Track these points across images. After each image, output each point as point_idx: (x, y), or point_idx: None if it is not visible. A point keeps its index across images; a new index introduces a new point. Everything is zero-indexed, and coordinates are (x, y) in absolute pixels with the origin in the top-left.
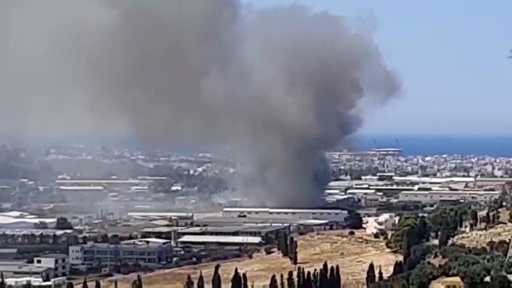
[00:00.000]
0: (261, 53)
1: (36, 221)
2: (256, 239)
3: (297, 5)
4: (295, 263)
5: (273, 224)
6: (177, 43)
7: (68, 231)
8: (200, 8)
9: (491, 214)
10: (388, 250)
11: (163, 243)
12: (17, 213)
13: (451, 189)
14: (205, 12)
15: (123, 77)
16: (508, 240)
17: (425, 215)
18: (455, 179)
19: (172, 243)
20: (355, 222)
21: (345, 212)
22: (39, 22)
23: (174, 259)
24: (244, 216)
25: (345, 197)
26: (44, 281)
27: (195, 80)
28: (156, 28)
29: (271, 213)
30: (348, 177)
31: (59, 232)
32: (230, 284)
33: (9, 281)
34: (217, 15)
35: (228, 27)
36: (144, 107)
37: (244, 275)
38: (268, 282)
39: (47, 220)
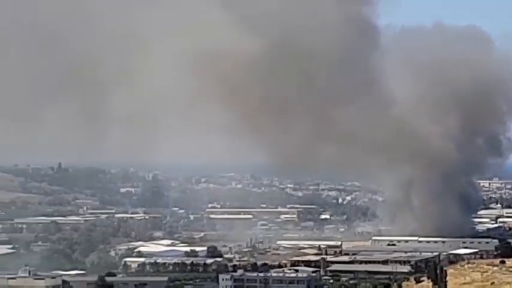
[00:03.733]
0: (401, 75)
1: (187, 249)
2: (406, 268)
3: (440, 24)
4: None
5: (423, 253)
6: (313, 71)
7: (218, 259)
8: (337, 35)
9: None
10: None
11: (313, 272)
12: (168, 242)
13: None
14: (343, 39)
15: (259, 105)
16: None
17: None
18: None
19: (322, 272)
20: (507, 251)
21: (496, 240)
22: (180, 50)
23: None
24: (394, 245)
25: (496, 225)
26: None
27: (331, 108)
28: (293, 57)
29: (420, 241)
30: (499, 205)
31: (209, 260)
32: None
33: None
34: (355, 42)
35: (366, 54)
36: (279, 135)
37: None
38: None
39: (198, 248)
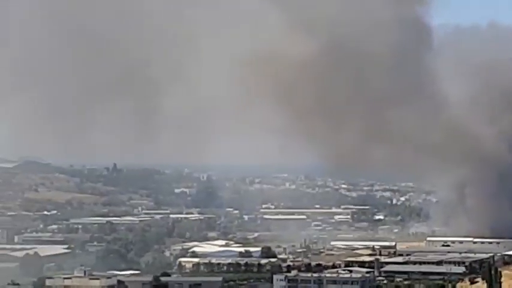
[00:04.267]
0: (454, 75)
1: (241, 249)
2: (460, 269)
3: (494, 24)
4: None
5: (477, 254)
6: (367, 72)
7: (272, 259)
8: (390, 35)
9: None
10: None
11: (367, 273)
12: (223, 242)
13: None
14: (396, 40)
15: (312, 106)
16: None
17: None
18: None
19: (376, 273)
20: None
21: None
22: (233, 50)
23: None
24: (448, 245)
25: None
26: None
27: (384, 109)
28: (346, 58)
29: (475, 242)
30: None
31: (263, 261)
32: None
33: None
34: (408, 43)
35: (420, 55)
36: (332, 136)
37: None
38: None
39: (252, 249)
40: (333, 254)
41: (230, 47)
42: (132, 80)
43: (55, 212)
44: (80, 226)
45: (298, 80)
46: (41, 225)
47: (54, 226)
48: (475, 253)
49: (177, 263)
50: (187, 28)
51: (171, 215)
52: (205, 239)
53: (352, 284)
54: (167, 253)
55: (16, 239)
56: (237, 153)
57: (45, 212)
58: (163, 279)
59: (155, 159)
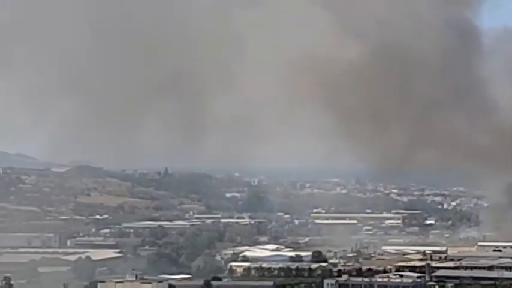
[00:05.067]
0: (504, 78)
1: (292, 254)
2: None
3: None
4: None
5: None
6: (414, 75)
7: (323, 264)
8: (438, 38)
9: None
10: None
11: (418, 277)
12: (273, 247)
13: None
14: (444, 42)
15: (359, 109)
16: None
17: None
18: None
19: (427, 278)
20: None
21: None
22: (280, 53)
23: None
24: (500, 250)
25: None
26: None
27: (432, 112)
28: (393, 61)
29: None
30: None
31: (314, 265)
32: None
33: None
34: (456, 46)
35: (468, 57)
36: (380, 139)
37: None
38: None
39: (302, 253)
40: (383, 259)
41: (277, 50)
42: (179, 82)
43: (107, 216)
44: (131, 230)
45: (345, 83)
46: (93, 229)
47: (106, 230)
48: None
49: (228, 267)
50: (234, 30)
51: (222, 220)
52: (256, 243)
53: None
54: (218, 257)
55: (68, 243)
56: (286, 157)
57: (97, 216)
58: (214, 283)
59: (205, 163)
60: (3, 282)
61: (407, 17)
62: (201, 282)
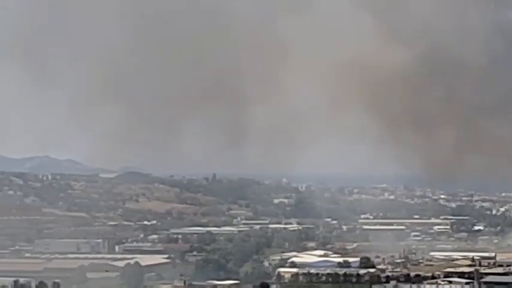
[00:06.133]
0: None
1: (340, 259)
2: None
3: None
4: None
5: None
6: (460, 80)
7: (371, 270)
8: (484, 43)
9: None
10: None
11: (466, 283)
12: (321, 252)
13: None
14: (490, 47)
15: (406, 115)
16: None
17: None
18: None
19: (475, 284)
20: None
21: None
22: (324, 59)
23: None
24: None
25: None
26: None
27: (479, 117)
28: (440, 66)
29: None
30: None
31: (362, 271)
32: None
33: None
34: (503, 50)
35: None
36: (427, 145)
37: None
38: None
39: (350, 259)
40: (432, 265)
41: (322, 55)
42: (224, 88)
43: (155, 222)
44: (179, 236)
45: (391, 88)
46: (142, 235)
47: (155, 236)
48: None
49: (276, 273)
50: (278, 35)
51: (270, 225)
52: (304, 249)
53: None
54: (266, 263)
55: (117, 248)
56: (332, 162)
57: (146, 222)
58: None
59: (252, 169)
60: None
61: (453, 22)
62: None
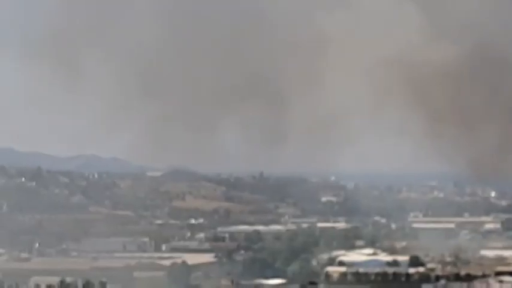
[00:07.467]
0: None
1: (389, 258)
2: None
3: None
4: None
5: None
6: (506, 78)
7: (421, 269)
8: None
9: None
10: None
11: None
12: (370, 251)
13: None
14: None
15: (451, 112)
16: None
17: None
18: None
19: None
20: None
21: None
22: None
23: None
24: None
25: None
26: None
27: None
28: (485, 63)
29: None
30: None
31: (411, 270)
32: None
33: None
34: None
35: None
36: (471, 143)
37: None
38: None
39: (400, 258)
40: (482, 264)
41: (364, 51)
42: (264, 84)
43: (202, 220)
44: (226, 235)
45: (435, 84)
46: (188, 234)
47: (201, 235)
48: None
49: (324, 272)
50: (319, 31)
51: (318, 224)
52: (352, 247)
53: None
54: (314, 262)
55: (163, 247)
56: (378, 160)
57: (192, 221)
58: None
59: (297, 167)
60: (99, 287)
61: (502, 18)
62: (296, 287)
